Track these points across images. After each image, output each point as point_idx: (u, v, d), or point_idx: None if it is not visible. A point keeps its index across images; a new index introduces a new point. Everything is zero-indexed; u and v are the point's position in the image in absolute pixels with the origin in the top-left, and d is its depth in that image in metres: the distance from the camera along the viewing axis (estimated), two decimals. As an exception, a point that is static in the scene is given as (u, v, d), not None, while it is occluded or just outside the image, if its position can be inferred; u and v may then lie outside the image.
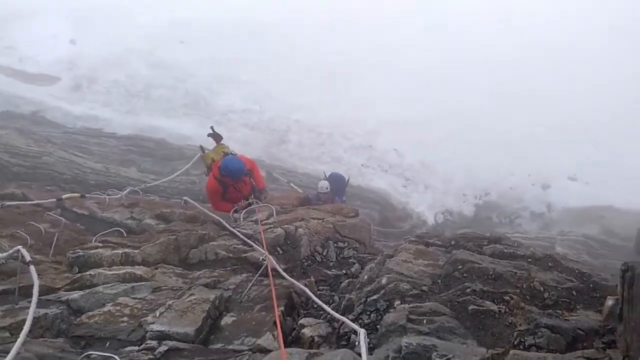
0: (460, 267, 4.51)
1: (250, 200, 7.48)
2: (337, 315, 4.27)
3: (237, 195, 7.88)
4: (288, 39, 18.88)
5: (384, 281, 4.53)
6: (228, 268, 5.93)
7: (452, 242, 5.17)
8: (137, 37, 18.87)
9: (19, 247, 5.48)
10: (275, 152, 14.28)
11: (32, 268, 5.22)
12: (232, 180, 7.65)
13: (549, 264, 4.60)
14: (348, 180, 10.19)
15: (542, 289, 4.31)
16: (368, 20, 19.69)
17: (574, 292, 4.32)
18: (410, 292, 4.41)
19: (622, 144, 13.51)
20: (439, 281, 4.54)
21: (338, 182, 9.71)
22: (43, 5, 20.59)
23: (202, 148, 8.59)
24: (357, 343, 3.56)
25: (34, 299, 4.64)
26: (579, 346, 3.70)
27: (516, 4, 20.58)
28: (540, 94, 15.88)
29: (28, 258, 5.33)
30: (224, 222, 6.55)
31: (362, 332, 3.42)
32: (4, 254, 5.77)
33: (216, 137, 8.42)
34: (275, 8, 20.62)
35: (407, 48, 17.95)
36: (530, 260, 4.66)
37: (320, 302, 4.59)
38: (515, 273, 4.40)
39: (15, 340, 3.75)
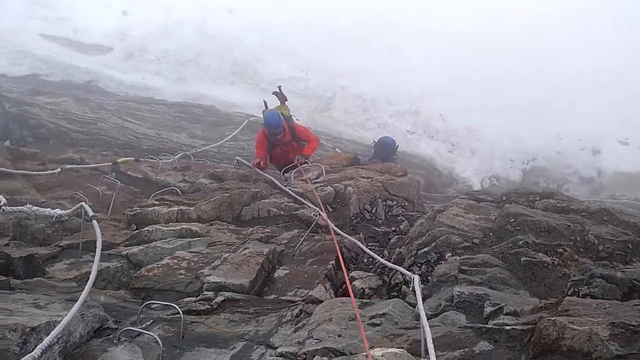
0: (512, 220, 4.52)
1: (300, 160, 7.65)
2: (389, 264, 4.36)
3: (281, 156, 8.14)
4: (331, 7, 18.73)
5: (435, 233, 4.58)
6: (280, 225, 6.12)
7: (504, 198, 5.16)
8: (187, 7, 19.12)
9: (82, 203, 5.81)
10: (321, 118, 14.35)
11: (95, 223, 5.50)
12: (270, 133, 8.01)
13: (604, 217, 4.55)
14: (397, 146, 10.16)
15: (596, 241, 4.28)
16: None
17: (630, 245, 4.27)
18: (462, 245, 4.46)
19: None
20: (491, 234, 4.56)
21: (388, 147, 9.69)
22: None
23: (265, 103, 8.91)
24: (411, 289, 3.65)
25: (98, 251, 4.90)
26: (636, 296, 3.68)
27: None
28: (587, 54, 15.24)
29: (91, 213, 5.63)
30: (276, 180, 6.70)
31: (416, 277, 3.50)
32: (68, 211, 6.12)
33: (281, 97, 8.73)
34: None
35: (451, 14, 17.51)
36: (584, 214, 4.62)
37: (371, 253, 4.69)
38: (569, 226, 4.37)
39: (82, 290, 4.01)
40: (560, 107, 13.83)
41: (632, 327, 3.08)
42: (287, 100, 8.92)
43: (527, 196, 5.10)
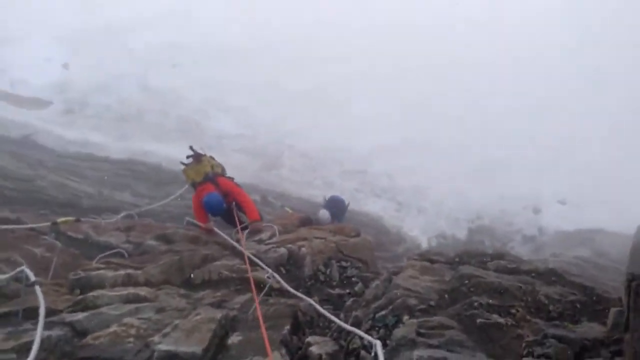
0: (466, 281, 4.61)
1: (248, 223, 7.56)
2: (348, 327, 4.30)
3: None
4: (278, 64, 19.16)
5: (392, 296, 4.59)
6: (232, 288, 5.95)
7: (456, 259, 5.27)
8: (129, 61, 18.99)
9: (23, 267, 5.47)
10: (268, 176, 14.33)
11: (37, 288, 5.19)
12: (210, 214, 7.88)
13: (552, 278, 4.72)
14: (348, 204, 10.25)
15: (546, 301, 4.42)
16: (359, 45, 20.06)
17: (578, 305, 4.43)
18: (419, 307, 4.48)
19: (610, 167, 13.84)
20: (446, 296, 4.62)
21: (338, 206, 9.78)
22: (36, 28, 20.69)
23: (182, 163, 8.63)
24: (372, 354, 3.60)
25: (41, 319, 4.60)
26: (586, 356, 3.79)
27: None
28: (529, 117, 16.29)
29: (33, 278, 5.31)
30: (234, 242, 6.57)
31: (377, 343, 3.47)
32: (7, 275, 5.74)
33: (195, 156, 8.37)
34: (265, 34, 20.99)
35: (399, 74, 18.31)
36: (533, 274, 4.78)
37: (330, 316, 4.63)
38: (520, 287, 4.50)
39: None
40: (502, 166, 14.52)
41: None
42: (204, 155, 8.55)
43: (478, 257, 5.24)
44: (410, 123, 15.81)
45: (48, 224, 8.71)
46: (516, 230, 13.05)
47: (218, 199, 7.70)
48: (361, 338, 4.49)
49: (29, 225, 8.64)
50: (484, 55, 18.82)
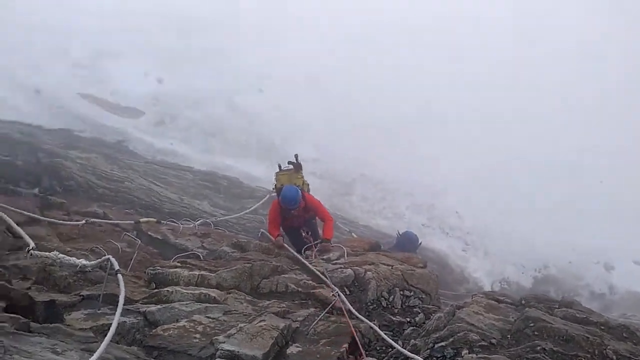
0: (531, 324, 4.56)
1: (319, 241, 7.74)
2: (406, 352, 4.38)
3: (290, 227, 8.27)
4: (358, 96, 19.66)
5: (454, 329, 4.63)
6: (296, 301, 6.17)
7: (523, 302, 5.21)
8: (219, 82, 20.15)
9: (109, 256, 5.97)
10: (339, 202, 14.62)
11: (119, 277, 5.64)
12: (285, 208, 7.92)
13: (624, 334, 4.58)
14: (420, 243, 10.28)
15: (614, 357, 4.29)
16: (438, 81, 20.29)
17: (649, 366, 4.27)
18: (479, 343, 4.48)
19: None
20: (509, 336, 4.59)
21: (410, 243, 9.85)
22: (137, 45, 22.46)
23: (279, 166, 9.02)
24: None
25: (120, 304, 5.00)
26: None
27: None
28: (612, 170, 15.67)
29: (116, 267, 5.78)
30: (301, 258, 6.80)
31: (436, 368, 3.54)
32: (93, 262, 6.27)
33: (296, 166, 8.73)
34: (341, 64, 21.68)
35: (484, 107, 18.27)
36: (603, 327, 4.65)
37: (389, 339, 4.72)
38: (588, 338, 4.40)
39: (98, 341, 4.07)
40: (577, 216, 14.02)
41: None
42: (302, 169, 8.88)
43: (546, 302, 5.16)
44: (482, 164, 15.64)
45: (132, 222, 9.43)
46: (584, 285, 12.54)
47: (296, 191, 7.85)
48: (417, 364, 4.55)
49: (115, 221, 9.37)
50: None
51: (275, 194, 8.87)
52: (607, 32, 21.58)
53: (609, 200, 14.72)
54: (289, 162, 8.84)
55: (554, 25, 23.30)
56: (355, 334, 4.79)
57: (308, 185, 9.09)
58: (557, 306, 5.08)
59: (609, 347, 4.38)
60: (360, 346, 4.37)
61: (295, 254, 6.96)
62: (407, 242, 9.79)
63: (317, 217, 8.58)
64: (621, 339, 4.53)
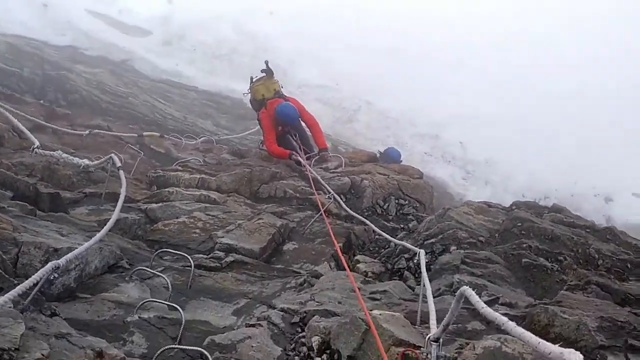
0: (519, 224, 4.70)
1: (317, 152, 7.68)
2: (394, 240, 4.55)
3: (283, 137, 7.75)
4: (369, 23, 19.23)
5: (443, 227, 4.78)
6: (294, 206, 6.35)
7: (514, 207, 5.35)
8: (229, 3, 19.67)
9: (112, 154, 6.10)
10: (342, 129, 14.62)
11: (121, 172, 5.81)
12: (289, 125, 7.57)
13: (607, 236, 4.72)
14: (402, 160, 10.26)
15: (596, 255, 4.45)
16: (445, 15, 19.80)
17: (629, 265, 4.43)
18: (467, 240, 4.65)
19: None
20: (497, 235, 4.75)
21: (392, 160, 9.82)
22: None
23: (251, 79, 8.32)
24: (416, 261, 3.85)
25: (122, 194, 5.18)
26: (627, 308, 3.83)
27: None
28: (619, 100, 15.52)
29: (119, 164, 5.93)
30: (303, 160, 6.81)
31: (421, 252, 3.69)
32: (96, 162, 6.43)
33: (268, 72, 8.06)
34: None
35: (486, 46, 17.90)
36: (589, 230, 4.79)
37: (380, 231, 4.89)
38: (572, 237, 4.55)
39: (101, 229, 4.24)
40: (580, 149, 14.01)
41: (619, 322, 3.26)
42: (274, 74, 8.18)
43: (536, 208, 5.30)
44: (488, 96, 15.49)
45: (135, 135, 9.51)
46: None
47: (292, 106, 7.54)
48: (407, 260, 4.75)
49: (118, 133, 9.43)
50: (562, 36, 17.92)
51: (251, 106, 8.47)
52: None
53: (614, 133, 14.65)
54: (262, 70, 8.13)
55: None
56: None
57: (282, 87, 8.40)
58: (546, 212, 5.21)
59: (592, 246, 4.54)
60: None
61: (300, 159, 6.91)
62: (388, 160, 9.74)
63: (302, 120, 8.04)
64: (605, 240, 4.67)
